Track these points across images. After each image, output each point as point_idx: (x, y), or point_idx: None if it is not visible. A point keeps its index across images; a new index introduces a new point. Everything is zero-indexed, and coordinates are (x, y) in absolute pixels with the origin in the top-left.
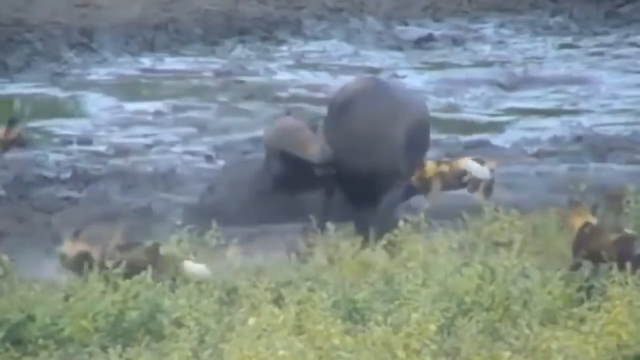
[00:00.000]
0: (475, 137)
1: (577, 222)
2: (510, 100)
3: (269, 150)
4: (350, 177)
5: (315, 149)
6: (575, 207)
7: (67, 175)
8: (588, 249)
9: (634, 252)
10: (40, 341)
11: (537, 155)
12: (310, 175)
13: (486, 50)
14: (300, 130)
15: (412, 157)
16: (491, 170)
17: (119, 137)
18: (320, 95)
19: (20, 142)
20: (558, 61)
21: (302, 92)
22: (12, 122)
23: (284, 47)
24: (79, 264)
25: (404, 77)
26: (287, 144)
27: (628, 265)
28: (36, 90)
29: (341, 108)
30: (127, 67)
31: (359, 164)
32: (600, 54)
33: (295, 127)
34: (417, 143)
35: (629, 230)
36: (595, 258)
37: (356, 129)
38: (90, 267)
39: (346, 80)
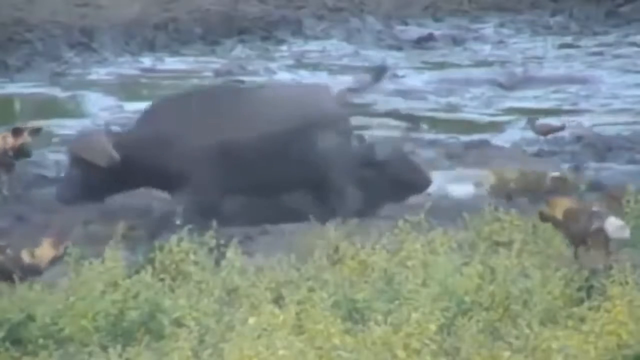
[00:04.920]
0: (475, 137)
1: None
2: (510, 100)
3: (69, 156)
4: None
5: (103, 153)
6: (552, 200)
7: None
8: (576, 231)
9: (593, 228)
10: (40, 341)
11: (537, 155)
12: (105, 181)
13: (486, 50)
14: (93, 135)
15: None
16: None
17: None
18: None
19: (23, 152)
20: (558, 61)
21: None
22: (16, 131)
23: (284, 47)
24: None
25: (403, 76)
26: (80, 149)
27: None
28: (36, 90)
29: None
30: (127, 67)
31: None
32: (600, 53)
33: (90, 132)
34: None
35: (595, 208)
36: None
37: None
38: None
39: (345, 80)
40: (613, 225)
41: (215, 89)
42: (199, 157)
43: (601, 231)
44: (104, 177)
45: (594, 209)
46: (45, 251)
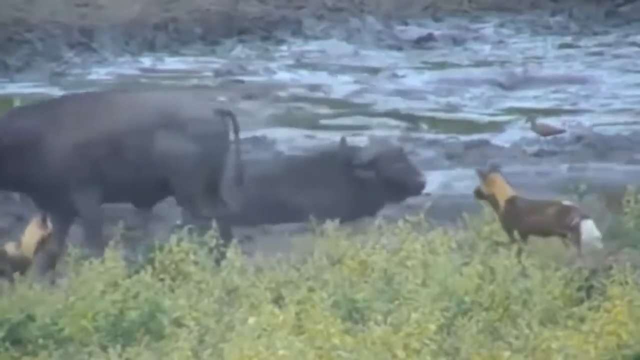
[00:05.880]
0: (475, 137)
1: (499, 192)
2: (510, 100)
3: None
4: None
5: None
6: (489, 177)
7: None
8: (525, 223)
9: (572, 223)
10: (40, 341)
11: (537, 155)
12: None
13: (486, 50)
14: None
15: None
16: None
17: None
18: (320, 94)
19: None
20: (558, 61)
21: (302, 91)
22: None
23: (284, 47)
24: None
25: (403, 76)
26: None
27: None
28: (36, 90)
29: None
30: (127, 67)
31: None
32: (600, 53)
33: None
34: None
35: (566, 202)
36: (536, 232)
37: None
38: None
39: (345, 79)
40: (589, 229)
41: (79, 95)
42: (55, 160)
43: (577, 228)
44: None
45: (566, 202)
46: (30, 235)
